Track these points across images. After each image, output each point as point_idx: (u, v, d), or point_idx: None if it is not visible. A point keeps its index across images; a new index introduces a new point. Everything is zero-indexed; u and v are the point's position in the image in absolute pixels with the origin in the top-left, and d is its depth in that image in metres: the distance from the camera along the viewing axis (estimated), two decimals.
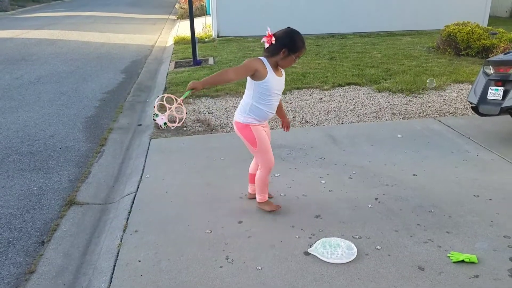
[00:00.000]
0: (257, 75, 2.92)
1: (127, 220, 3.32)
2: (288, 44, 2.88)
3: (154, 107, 2.92)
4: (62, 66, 9.12)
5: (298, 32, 2.94)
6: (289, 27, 2.96)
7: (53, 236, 3.34)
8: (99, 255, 3.02)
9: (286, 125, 3.45)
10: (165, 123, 2.90)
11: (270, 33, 2.91)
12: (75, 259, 3.08)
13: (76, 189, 4.05)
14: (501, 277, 2.59)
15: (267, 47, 2.92)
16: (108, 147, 5.04)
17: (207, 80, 2.85)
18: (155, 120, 2.88)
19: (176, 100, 2.94)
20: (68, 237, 3.34)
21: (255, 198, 3.41)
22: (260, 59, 2.95)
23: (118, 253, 2.94)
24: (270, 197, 3.48)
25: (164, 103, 2.97)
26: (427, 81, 4.48)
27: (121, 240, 3.08)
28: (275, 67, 2.99)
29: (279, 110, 3.31)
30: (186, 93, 2.82)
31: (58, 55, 10.30)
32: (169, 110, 2.94)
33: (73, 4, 23.34)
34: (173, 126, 2.99)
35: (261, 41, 2.95)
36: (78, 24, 15.45)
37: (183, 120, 3.06)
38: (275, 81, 2.99)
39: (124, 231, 3.18)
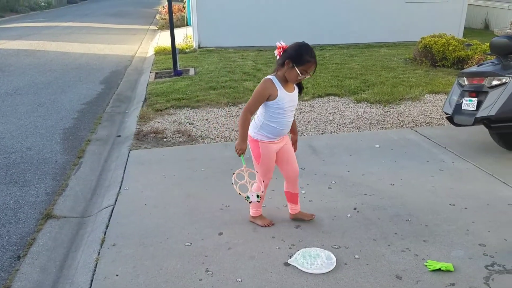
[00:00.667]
0: (269, 98, 2.89)
1: (105, 234, 3.28)
2: (293, 55, 2.79)
3: (239, 193, 3.02)
4: (40, 77, 9.00)
5: (307, 45, 2.82)
6: (302, 41, 2.85)
7: (29, 250, 3.28)
8: (76, 270, 2.98)
9: (293, 142, 3.27)
10: (258, 195, 3.01)
11: (281, 45, 2.86)
12: (52, 274, 3.03)
13: (53, 202, 3.99)
14: (477, 285, 2.64)
15: (277, 59, 2.88)
16: (86, 159, 4.98)
17: (241, 134, 2.95)
18: (251, 201, 3.03)
19: (245, 169, 3.06)
20: (45, 251, 3.28)
21: (293, 217, 3.38)
22: (269, 79, 2.88)
23: (95, 267, 2.90)
24: (311, 218, 3.38)
25: (239, 181, 3.04)
26: None
27: (98, 254, 3.04)
28: (285, 82, 2.89)
29: (291, 126, 3.17)
30: (242, 159, 3.00)
31: (36, 66, 10.16)
32: (246, 182, 3.04)
33: (52, 15, 23.09)
34: (263, 192, 3.07)
35: (274, 54, 2.94)
36: (57, 34, 15.29)
37: (259, 188, 3.13)
38: (287, 97, 2.89)
39: (101, 245, 3.14)
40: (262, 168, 3.10)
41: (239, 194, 3.01)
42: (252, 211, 3.34)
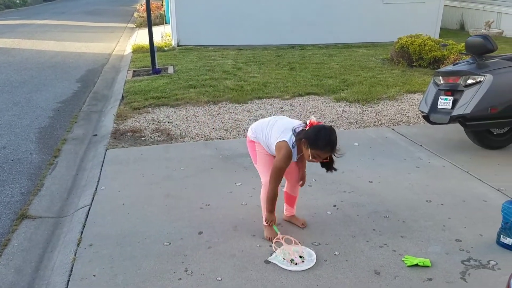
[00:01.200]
0: None
1: (82, 234, 3.22)
2: (311, 137, 2.74)
3: (283, 259, 2.88)
4: (14, 76, 8.78)
5: (329, 132, 2.75)
6: (330, 126, 2.82)
7: (4, 251, 3.20)
8: (52, 270, 2.92)
9: (300, 179, 3.26)
10: (301, 256, 2.87)
11: (312, 121, 2.83)
12: (27, 275, 2.96)
13: (28, 202, 3.90)
14: (454, 280, 2.69)
15: (305, 130, 2.83)
16: (62, 158, 4.88)
17: (271, 209, 3.01)
18: (297, 263, 2.83)
19: (279, 236, 3.02)
20: (20, 252, 3.20)
21: (286, 218, 3.37)
22: (290, 150, 2.85)
23: (72, 267, 2.84)
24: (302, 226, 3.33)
25: (285, 250, 2.93)
26: None
27: (75, 254, 2.98)
28: (301, 152, 2.89)
29: (300, 169, 3.21)
30: (276, 229, 3.05)
31: (11, 64, 9.92)
32: (289, 248, 2.94)
33: (27, 12, 22.57)
34: (302, 260, 2.86)
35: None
36: (33, 32, 14.96)
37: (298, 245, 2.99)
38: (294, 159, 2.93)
39: (78, 245, 3.08)
40: (260, 168, 3.14)
41: (284, 259, 2.86)
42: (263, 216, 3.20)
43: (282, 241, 2.97)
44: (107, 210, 3.54)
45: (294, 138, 2.84)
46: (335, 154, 2.81)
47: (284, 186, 3.28)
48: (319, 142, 2.72)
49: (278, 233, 3.02)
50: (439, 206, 3.56)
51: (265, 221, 3.04)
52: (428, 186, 3.90)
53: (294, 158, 2.92)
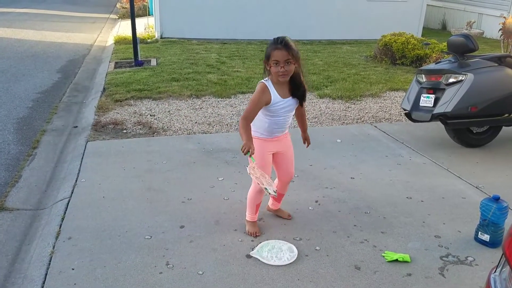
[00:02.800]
0: (265, 104, 2.80)
1: (60, 227, 3.16)
2: (265, 54, 2.74)
3: (262, 186, 2.75)
4: None
5: (276, 38, 2.71)
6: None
7: None
8: (30, 264, 2.86)
9: (304, 140, 3.21)
10: (275, 190, 2.76)
11: None
12: (3, 268, 2.89)
13: (5, 194, 3.81)
14: (432, 275, 2.73)
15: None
16: (40, 149, 4.78)
17: (244, 136, 2.69)
18: (270, 193, 2.75)
19: (254, 167, 2.78)
20: None
21: (272, 211, 3.37)
22: (263, 83, 2.79)
23: (50, 261, 2.79)
24: (288, 217, 3.32)
25: (253, 172, 2.77)
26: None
27: (53, 247, 2.92)
28: (278, 85, 2.78)
29: (300, 123, 3.16)
30: (252, 158, 2.71)
31: None
32: (262, 177, 2.78)
33: (5, 0, 22.01)
34: (275, 191, 2.77)
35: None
36: (12, 21, 14.59)
37: (271, 183, 2.82)
38: (281, 103, 2.79)
39: (56, 238, 3.03)
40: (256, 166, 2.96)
41: (259, 184, 2.76)
42: (246, 215, 3.14)
43: (257, 171, 2.77)
44: (87, 202, 3.49)
45: (266, 76, 2.80)
46: (291, 52, 2.63)
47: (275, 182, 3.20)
48: (268, 49, 2.68)
49: (254, 162, 2.76)
50: (419, 203, 3.60)
51: (241, 148, 2.65)
52: (409, 183, 3.95)
53: (273, 92, 2.76)
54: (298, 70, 2.80)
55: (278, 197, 3.25)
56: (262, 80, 2.83)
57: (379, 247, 2.99)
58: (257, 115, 2.82)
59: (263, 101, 2.78)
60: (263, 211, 3.37)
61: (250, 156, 2.65)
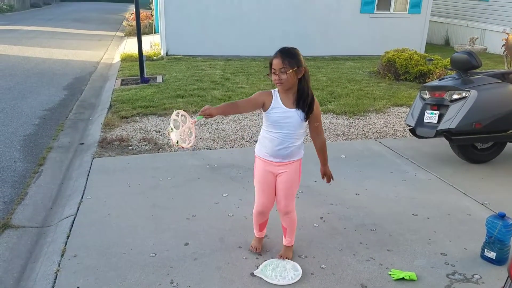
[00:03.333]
0: (264, 107, 2.74)
1: (66, 244, 3.16)
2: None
3: (170, 120, 2.71)
4: (0, 82, 8.68)
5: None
6: None
7: None
8: (35, 281, 2.86)
9: (323, 174, 3.05)
10: (177, 142, 2.68)
11: None
12: (9, 286, 2.89)
13: (11, 211, 3.83)
14: None
15: None
16: (47, 167, 4.82)
17: (221, 108, 2.68)
18: (170, 134, 2.69)
19: (189, 119, 2.75)
20: (1, 262, 3.13)
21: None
22: (270, 90, 2.77)
23: (55, 279, 2.79)
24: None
25: (179, 119, 2.74)
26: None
27: (59, 265, 2.93)
28: (285, 95, 2.73)
29: (319, 153, 2.99)
30: (199, 117, 2.63)
31: None
32: (182, 127, 2.72)
33: (14, 18, 22.37)
34: (182, 148, 2.74)
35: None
36: (19, 38, 14.82)
37: (192, 143, 2.78)
38: (282, 110, 2.70)
39: (62, 255, 3.03)
40: (256, 186, 2.93)
41: (170, 121, 2.73)
42: (254, 231, 3.12)
43: (193, 129, 2.74)
44: (92, 220, 3.50)
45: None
46: (286, 61, 2.61)
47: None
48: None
49: (196, 119, 2.71)
50: (425, 220, 3.59)
51: (208, 109, 2.60)
52: (414, 199, 3.93)
53: (276, 98, 2.71)
54: (303, 82, 2.73)
55: (284, 231, 3.05)
56: (272, 90, 2.80)
57: (385, 265, 2.98)
58: (262, 134, 2.80)
59: (260, 99, 2.72)
60: (270, 227, 3.36)
61: (200, 115, 2.60)
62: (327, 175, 3.04)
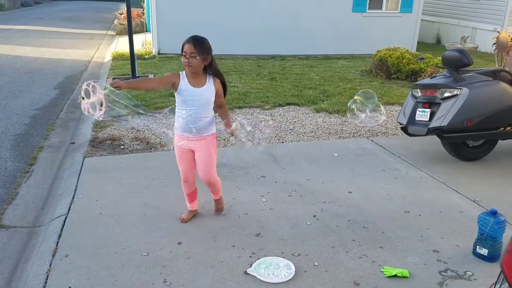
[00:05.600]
0: (174, 87, 3.07)
1: (57, 244, 3.14)
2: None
3: (81, 90, 2.82)
4: None
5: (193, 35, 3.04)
6: None
7: None
8: (26, 282, 2.83)
9: (225, 124, 3.30)
10: (88, 110, 2.83)
11: None
12: (0, 287, 2.86)
13: (2, 212, 3.79)
14: None
15: None
16: (37, 166, 4.78)
17: (131, 83, 3.02)
18: (81, 102, 2.82)
19: (99, 90, 2.87)
20: None
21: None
22: (179, 73, 3.09)
23: (47, 279, 2.77)
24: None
25: (90, 89, 2.84)
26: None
27: (50, 265, 2.90)
28: (193, 76, 3.06)
29: (220, 113, 3.33)
30: (109, 89, 2.82)
31: None
32: (93, 97, 2.84)
33: (4, 17, 22.15)
34: (93, 115, 2.85)
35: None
36: (9, 37, 14.68)
37: (102, 113, 2.89)
38: (190, 91, 3.04)
39: (53, 255, 3.00)
40: (177, 158, 3.31)
41: (81, 90, 2.82)
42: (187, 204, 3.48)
43: (105, 101, 2.85)
44: (84, 219, 3.47)
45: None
46: (198, 48, 2.95)
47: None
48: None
49: (107, 91, 2.82)
50: (417, 217, 3.60)
51: (117, 82, 2.81)
52: (406, 197, 3.95)
53: (184, 79, 3.04)
54: (214, 64, 3.11)
55: (191, 196, 3.48)
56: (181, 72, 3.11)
57: (378, 262, 2.98)
58: (176, 113, 3.12)
59: (171, 79, 3.05)
60: (263, 225, 3.36)
61: (110, 85, 2.80)
62: (228, 124, 3.26)
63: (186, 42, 2.99)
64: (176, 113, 3.16)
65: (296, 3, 12.01)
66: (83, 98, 2.80)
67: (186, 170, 3.32)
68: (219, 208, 3.58)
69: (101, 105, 2.84)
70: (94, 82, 2.86)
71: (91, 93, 2.82)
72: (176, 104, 3.14)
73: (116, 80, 2.83)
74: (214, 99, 3.15)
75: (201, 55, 2.97)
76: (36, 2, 32.91)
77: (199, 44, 2.97)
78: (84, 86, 2.82)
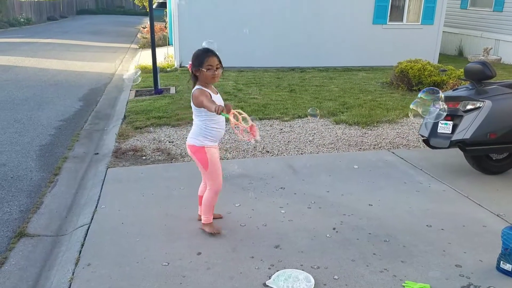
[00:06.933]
0: None
1: (80, 253, 3.20)
2: (194, 63, 3.14)
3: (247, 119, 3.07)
4: (17, 93, 8.84)
5: (202, 48, 3.17)
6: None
7: (1, 270, 3.18)
8: None
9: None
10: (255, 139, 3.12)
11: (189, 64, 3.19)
12: None
13: (27, 220, 3.89)
14: None
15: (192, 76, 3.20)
16: (62, 176, 4.89)
17: (209, 102, 3.03)
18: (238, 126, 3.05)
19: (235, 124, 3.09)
20: (17, 271, 3.18)
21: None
22: (198, 88, 3.15)
23: (69, 287, 2.82)
24: (219, 217, 3.66)
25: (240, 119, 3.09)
26: (309, 109, 4.02)
27: (73, 273, 2.96)
28: (207, 87, 3.17)
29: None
30: (225, 115, 3.05)
31: (14, 81, 10.00)
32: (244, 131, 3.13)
33: (31, 31, 22.86)
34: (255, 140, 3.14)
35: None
36: (36, 50, 15.13)
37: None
38: (217, 98, 3.18)
39: (76, 264, 3.06)
40: (211, 173, 3.29)
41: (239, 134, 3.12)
42: (203, 218, 3.44)
43: (239, 116, 3.10)
44: (106, 229, 3.53)
45: (192, 81, 3.20)
46: (219, 59, 3.09)
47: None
48: (199, 57, 3.11)
49: (234, 120, 3.06)
50: (439, 231, 3.55)
51: (215, 110, 2.94)
52: (428, 210, 3.89)
53: (208, 91, 3.14)
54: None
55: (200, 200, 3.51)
56: (196, 87, 3.16)
57: (399, 276, 2.94)
58: (207, 125, 3.20)
59: (208, 93, 3.12)
60: (282, 237, 3.36)
61: (222, 113, 2.97)
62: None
63: (208, 55, 3.08)
64: (205, 126, 3.23)
65: (317, 15, 12.07)
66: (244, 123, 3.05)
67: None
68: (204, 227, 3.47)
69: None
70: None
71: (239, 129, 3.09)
72: (204, 118, 3.20)
73: (217, 108, 2.92)
74: None
75: (221, 65, 3.14)
76: (61, 16, 33.85)
77: (218, 55, 3.11)
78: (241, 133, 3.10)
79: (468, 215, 3.81)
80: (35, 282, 3.08)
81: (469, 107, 4.36)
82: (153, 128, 6.35)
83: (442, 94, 3.45)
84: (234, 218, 3.71)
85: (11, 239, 3.59)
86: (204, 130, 3.24)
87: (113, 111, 7.77)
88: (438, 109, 3.25)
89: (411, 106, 3.57)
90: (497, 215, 3.80)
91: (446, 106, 3.44)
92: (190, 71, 3.18)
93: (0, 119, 6.97)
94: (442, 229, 3.57)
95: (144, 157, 5.23)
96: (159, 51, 12.06)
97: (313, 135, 6.10)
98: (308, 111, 4.06)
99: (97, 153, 5.56)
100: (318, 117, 5.60)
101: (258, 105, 7.57)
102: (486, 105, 4.29)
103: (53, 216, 4.02)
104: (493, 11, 14.12)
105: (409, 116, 3.70)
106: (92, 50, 16.00)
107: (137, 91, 8.82)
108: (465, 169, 4.82)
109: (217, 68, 3.09)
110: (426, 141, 4.65)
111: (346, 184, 4.45)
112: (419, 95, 3.60)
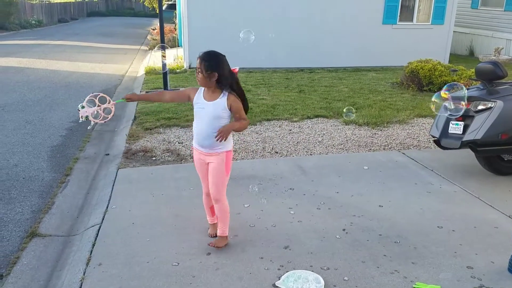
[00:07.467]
0: (190, 100, 3.13)
1: (91, 253, 3.22)
2: None
3: (84, 100, 3.10)
4: (28, 94, 8.94)
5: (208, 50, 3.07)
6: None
7: (13, 269, 3.21)
8: None
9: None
10: (87, 117, 3.09)
11: None
12: None
13: (38, 220, 3.93)
14: None
15: None
16: (73, 177, 4.93)
17: (144, 95, 3.17)
18: (79, 111, 3.08)
19: (109, 101, 3.19)
20: (29, 270, 3.21)
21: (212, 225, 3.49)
22: (197, 87, 3.14)
23: (80, 287, 2.85)
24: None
25: (96, 100, 3.15)
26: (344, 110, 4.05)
27: (84, 273, 2.98)
28: (209, 91, 3.06)
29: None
30: (120, 100, 3.17)
31: (25, 83, 10.11)
32: (97, 107, 3.14)
33: (42, 33, 23.09)
34: (93, 121, 3.16)
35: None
36: (47, 52, 15.29)
37: (107, 119, 3.24)
38: (202, 103, 3.05)
39: (87, 264, 3.09)
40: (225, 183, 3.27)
41: (84, 100, 3.12)
42: (227, 230, 3.31)
43: (112, 109, 3.20)
44: (117, 229, 3.56)
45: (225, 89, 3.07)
46: (203, 63, 2.94)
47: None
48: None
49: (115, 101, 3.19)
50: (451, 232, 3.52)
51: (131, 95, 3.19)
52: (440, 212, 3.87)
53: (200, 92, 3.09)
54: (222, 80, 3.00)
55: (212, 210, 3.41)
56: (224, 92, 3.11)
57: (410, 278, 2.93)
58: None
59: (187, 92, 3.15)
60: (291, 238, 3.36)
61: (123, 98, 3.12)
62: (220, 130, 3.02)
63: (198, 56, 3.01)
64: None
65: (326, 15, 12.04)
66: (82, 107, 3.08)
67: (204, 182, 3.31)
68: (217, 244, 3.25)
69: (110, 113, 3.15)
70: (102, 94, 3.21)
71: (97, 102, 3.14)
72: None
73: (132, 93, 2.97)
74: (227, 115, 3.06)
75: (205, 72, 2.92)
76: (72, 18, 34.17)
77: (205, 60, 2.95)
78: (89, 96, 3.13)
79: (479, 216, 3.78)
80: (47, 281, 3.11)
81: (480, 107, 4.33)
82: (162, 129, 6.38)
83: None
84: (243, 219, 3.71)
85: (23, 239, 3.63)
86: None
87: (123, 112, 7.81)
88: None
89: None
90: (509, 216, 3.76)
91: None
92: None
93: (12, 120, 7.05)
94: (453, 230, 3.54)
95: (154, 158, 5.26)
96: (169, 52, 12.14)
97: (322, 136, 6.09)
98: (344, 111, 4.04)
99: (108, 154, 5.61)
100: (354, 115, 5.74)
101: (267, 106, 7.57)
102: (497, 105, 4.25)
103: (65, 216, 4.06)
104: (504, 10, 13.97)
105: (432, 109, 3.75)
106: (103, 52, 16.12)
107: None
108: (476, 170, 4.78)
109: (197, 72, 2.97)
110: (437, 142, 4.61)
111: (356, 185, 4.43)
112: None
